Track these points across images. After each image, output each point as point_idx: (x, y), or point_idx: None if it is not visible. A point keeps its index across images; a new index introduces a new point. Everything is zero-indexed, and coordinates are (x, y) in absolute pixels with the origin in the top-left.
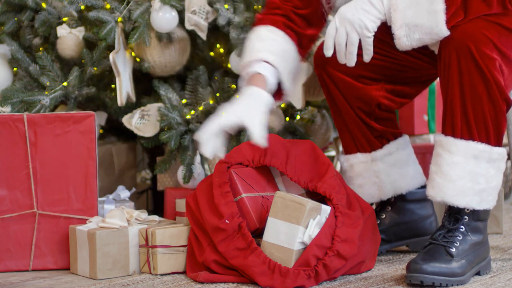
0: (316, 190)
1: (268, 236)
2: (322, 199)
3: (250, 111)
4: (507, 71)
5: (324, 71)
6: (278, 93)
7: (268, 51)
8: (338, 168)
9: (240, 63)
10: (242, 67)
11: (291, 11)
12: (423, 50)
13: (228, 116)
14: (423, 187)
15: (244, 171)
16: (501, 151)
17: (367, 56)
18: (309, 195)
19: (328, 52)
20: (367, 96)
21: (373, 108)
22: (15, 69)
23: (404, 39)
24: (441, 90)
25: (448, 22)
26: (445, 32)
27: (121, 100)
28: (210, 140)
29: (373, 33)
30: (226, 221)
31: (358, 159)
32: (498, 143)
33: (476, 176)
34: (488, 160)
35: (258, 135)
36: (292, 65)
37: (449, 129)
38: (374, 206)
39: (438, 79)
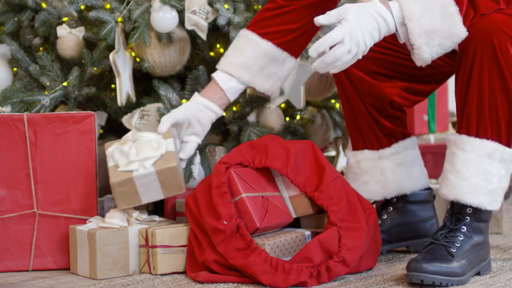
0: (314, 201)
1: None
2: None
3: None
4: None
5: None
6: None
7: (231, 63)
8: (340, 164)
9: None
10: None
11: (287, 11)
12: None
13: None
14: (427, 189)
15: (244, 171)
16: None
17: (339, 70)
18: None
19: (313, 54)
20: (381, 93)
21: (385, 105)
22: (15, 69)
23: (425, 47)
24: (457, 88)
25: (464, 22)
26: (464, 32)
27: (121, 100)
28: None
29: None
30: (224, 222)
31: (365, 155)
32: (508, 143)
33: (489, 175)
34: (500, 160)
35: (160, 126)
36: (269, 67)
37: (464, 127)
38: (375, 205)
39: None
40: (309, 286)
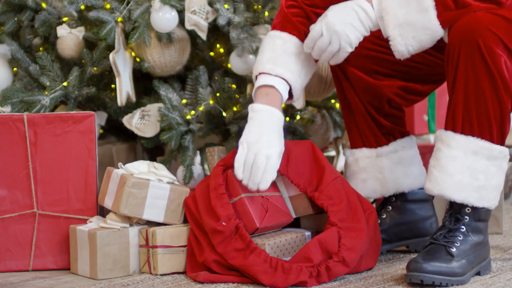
0: (314, 201)
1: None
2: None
3: (269, 140)
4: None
5: (337, 65)
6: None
7: (287, 69)
8: (340, 164)
9: (256, 63)
10: (257, 70)
11: (313, 12)
12: (437, 48)
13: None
14: None
15: None
16: (502, 149)
17: (335, 62)
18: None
19: (308, 50)
20: (378, 92)
21: (383, 104)
22: (15, 69)
23: (399, 39)
24: (447, 85)
25: (439, 16)
26: (437, 26)
27: (121, 100)
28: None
29: (353, 49)
30: (223, 223)
31: (364, 153)
32: (501, 141)
33: (474, 172)
34: (488, 157)
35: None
36: (308, 75)
37: (450, 124)
38: (375, 204)
39: None
40: (309, 286)
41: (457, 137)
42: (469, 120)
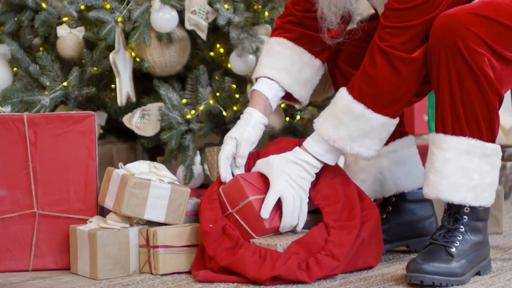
0: (311, 200)
1: None
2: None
3: (241, 132)
4: (499, 66)
5: (334, 65)
6: (294, 99)
7: (272, 68)
8: (339, 164)
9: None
10: (252, 77)
11: (305, 16)
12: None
13: (225, 146)
14: None
15: (252, 176)
16: (494, 147)
17: (302, 224)
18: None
19: (266, 216)
20: None
21: None
22: (15, 69)
23: (360, 149)
24: (432, 88)
25: (373, 107)
26: (381, 118)
27: (121, 100)
28: (229, 172)
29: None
30: (210, 225)
31: None
32: (491, 138)
33: (469, 172)
34: (480, 155)
35: (239, 156)
36: (305, 73)
37: (440, 127)
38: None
39: None
40: (301, 280)
41: (448, 139)
42: (458, 120)
